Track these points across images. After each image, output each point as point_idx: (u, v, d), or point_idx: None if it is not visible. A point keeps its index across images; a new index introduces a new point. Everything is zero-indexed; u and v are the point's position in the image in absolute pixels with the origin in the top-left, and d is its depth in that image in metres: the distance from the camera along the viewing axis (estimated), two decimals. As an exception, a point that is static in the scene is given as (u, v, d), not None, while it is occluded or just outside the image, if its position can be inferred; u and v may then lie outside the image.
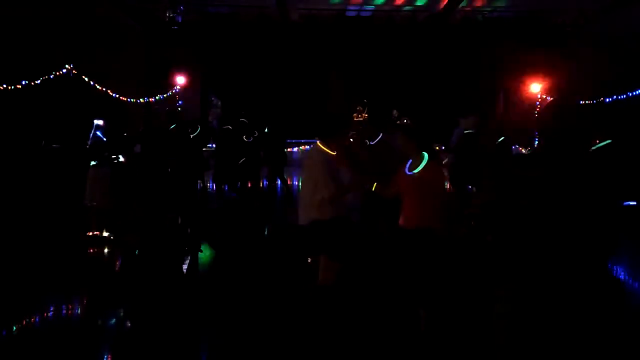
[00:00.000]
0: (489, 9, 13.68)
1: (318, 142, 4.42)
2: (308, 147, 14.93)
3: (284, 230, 4.70)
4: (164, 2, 12.90)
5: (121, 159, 7.26)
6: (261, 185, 11.26)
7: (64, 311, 4.83)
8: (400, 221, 4.06)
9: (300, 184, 4.61)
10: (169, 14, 13.15)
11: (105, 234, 7.01)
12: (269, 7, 13.34)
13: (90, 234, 6.99)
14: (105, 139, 7.05)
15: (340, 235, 4.30)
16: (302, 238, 4.54)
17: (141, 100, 12.83)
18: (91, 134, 7.04)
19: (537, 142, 14.73)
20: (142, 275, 5.77)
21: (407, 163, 4.09)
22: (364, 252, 5.24)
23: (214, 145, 11.32)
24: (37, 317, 4.63)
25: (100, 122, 7.06)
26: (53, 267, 5.93)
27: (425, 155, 3.99)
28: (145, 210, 7.39)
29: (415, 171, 3.95)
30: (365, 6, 13.77)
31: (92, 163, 6.99)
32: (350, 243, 4.46)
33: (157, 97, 13.36)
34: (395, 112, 13.03)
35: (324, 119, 4.54)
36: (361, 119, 13.69)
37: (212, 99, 15.51)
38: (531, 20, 14.13)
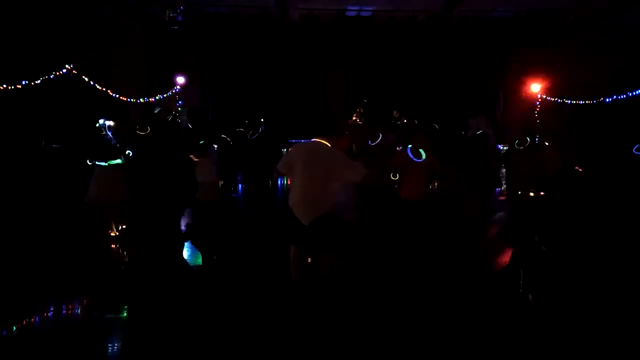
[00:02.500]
0: (489, 9, 13.68)
1: (318, 139, 4.63)
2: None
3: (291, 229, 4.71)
4: (164, 2, 12.88)
5: (130, 153, 7.36)
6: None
7: (66, 309, 4.83)
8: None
9: (299, 181, 4.63)
10: (169, 14, 13.15)
11: (112, 232, 7.08)
12: (268, 7, 13.34)
13: (102, 230, 7.13)
14: (114, 139, 7.15)
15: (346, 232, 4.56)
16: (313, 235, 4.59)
17: (141, 100, 12.82)
18: (102, 134, 7.16)
19: (537, 141, 14.71)
20: (143, 271, 5.81)
21: (407, 153, 5.63)
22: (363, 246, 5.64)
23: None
24: (39, 315, 4.63)
25: (110, 123, 7.21)
26: (60, 266, 5.93)
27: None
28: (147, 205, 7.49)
29: (422, 159, 5.63)
30: (365, 6, 13.77)
31: (103, 163, 7.07)
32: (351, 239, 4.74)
33: (157, 97, 13.35)
34: (395, 112, 13.04)
35: (322, 119, 4.80)
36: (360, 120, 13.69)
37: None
38: (531, 20, 14.13)
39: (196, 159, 7.33)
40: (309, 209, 4.48)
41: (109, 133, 7.13)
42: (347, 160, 4.59)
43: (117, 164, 7.12)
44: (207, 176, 7.35)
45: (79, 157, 7.70)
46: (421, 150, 5.63)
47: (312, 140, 4.68)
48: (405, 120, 13.19)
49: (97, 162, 7.07)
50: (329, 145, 4.60)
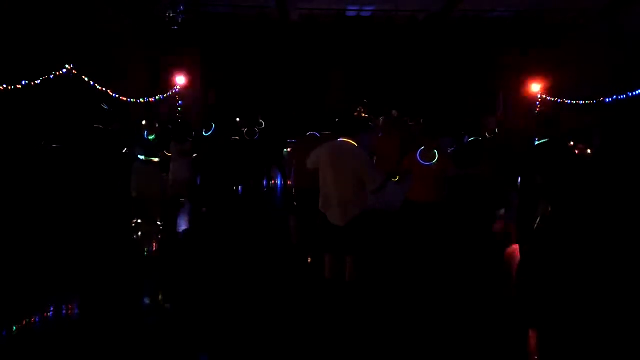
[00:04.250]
0: (489, 9, 13.69)
1: (345, 139, 4.44)
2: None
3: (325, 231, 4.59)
4: (164, 2, 12.89)
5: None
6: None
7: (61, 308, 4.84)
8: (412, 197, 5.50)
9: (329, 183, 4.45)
10: (169, 14, 13.15)
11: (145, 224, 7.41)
12: (269, 7, 13.35)
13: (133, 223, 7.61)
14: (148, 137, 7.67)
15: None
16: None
17: (141, 100, 12.83)
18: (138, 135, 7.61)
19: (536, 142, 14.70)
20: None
21: (416, 156, 5.44)
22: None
23: None
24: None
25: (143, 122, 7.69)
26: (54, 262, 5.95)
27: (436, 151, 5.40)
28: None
29: (432, 162, 5.38)
30: (365, 6, 13.78)
31: (141, 158, 7.57)
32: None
33: (157, 97, 13.36)
34: (394, 112, 13.03)
35: (347, 119, 4.64)
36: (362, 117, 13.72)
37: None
38: (531, 20, 14.14)
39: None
40: (343, 212, 4.33)
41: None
42: (371, 165, 4.54)
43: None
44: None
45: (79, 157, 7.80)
46: (435, 152, 5.37)
47: (339, 140, 4.47)
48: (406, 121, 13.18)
49: None
50: (356, 145, 4.44)
